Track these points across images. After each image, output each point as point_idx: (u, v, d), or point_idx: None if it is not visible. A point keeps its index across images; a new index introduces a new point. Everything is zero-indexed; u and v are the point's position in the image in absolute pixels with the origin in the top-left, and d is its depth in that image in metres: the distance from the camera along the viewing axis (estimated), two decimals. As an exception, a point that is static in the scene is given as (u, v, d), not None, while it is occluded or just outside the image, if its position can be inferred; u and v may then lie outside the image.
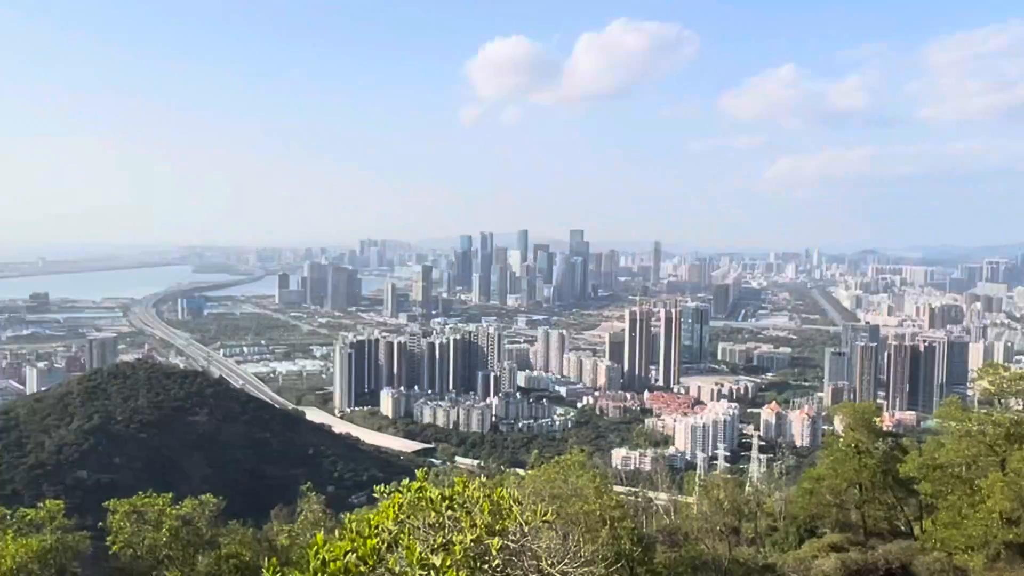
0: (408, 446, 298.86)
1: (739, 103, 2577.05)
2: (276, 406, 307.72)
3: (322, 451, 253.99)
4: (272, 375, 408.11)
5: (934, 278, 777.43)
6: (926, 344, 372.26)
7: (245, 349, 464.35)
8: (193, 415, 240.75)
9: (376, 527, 11.42)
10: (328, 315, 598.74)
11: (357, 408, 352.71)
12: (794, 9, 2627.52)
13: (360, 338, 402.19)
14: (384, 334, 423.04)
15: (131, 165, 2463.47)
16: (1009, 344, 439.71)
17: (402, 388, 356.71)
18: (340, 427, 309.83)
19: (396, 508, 12.66)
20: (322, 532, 12.63)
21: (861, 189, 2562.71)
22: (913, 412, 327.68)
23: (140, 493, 33.81)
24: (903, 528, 52.18)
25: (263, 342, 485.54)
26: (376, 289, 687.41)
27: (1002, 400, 44.42)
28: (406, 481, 13.72)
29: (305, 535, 39.14)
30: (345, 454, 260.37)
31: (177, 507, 33.47)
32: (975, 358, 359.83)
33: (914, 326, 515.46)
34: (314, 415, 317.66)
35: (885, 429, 57.03)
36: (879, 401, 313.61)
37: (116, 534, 31.78)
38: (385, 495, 13.83)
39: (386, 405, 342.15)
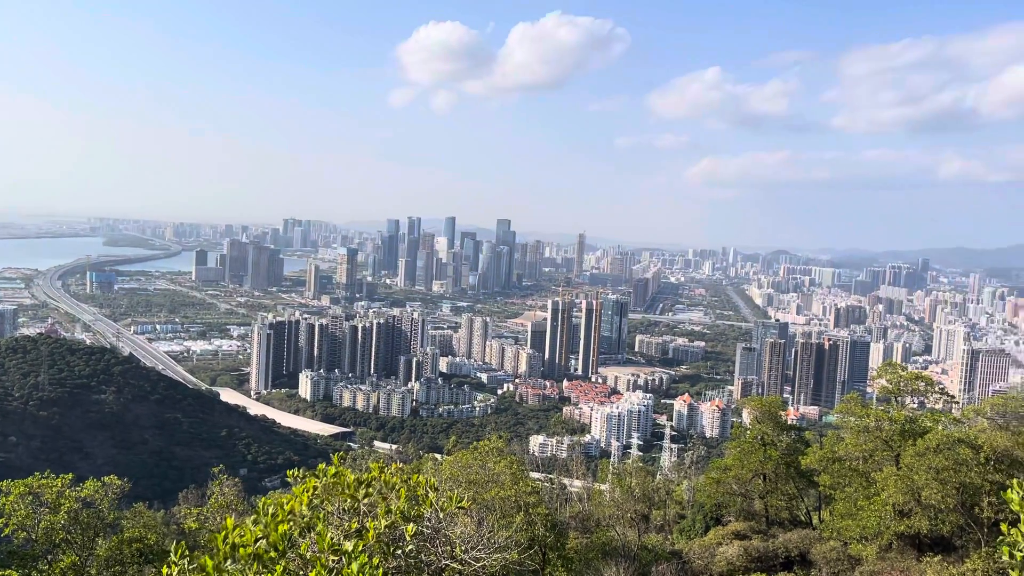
0: (326, 429, 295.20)
1: (666, 102, 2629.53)
2: (189, 386, 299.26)
3: (236, 433, 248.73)
4: (186, 354, 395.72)
5: (841, 280, 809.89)
6: (831, 342, 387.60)
7: (158, 327, 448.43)
8: (99, 393, 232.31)
9: (289, 512, 11.31)
10: (247, 294, 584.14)
11: (275, 390, 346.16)
12: (721, 15, 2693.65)
13: (280, 319, 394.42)
14: (305, 316, 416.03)
15: (35, 131, 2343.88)
16: (907, 345, 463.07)
17: (322, 371, 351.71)
18: (256, 409, 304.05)
19: (310, 492, 12.54)
20: (233, 516, 12.45)
21: (777, 192, 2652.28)
22: (816, 407, 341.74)
23: (37, 474, 32.41)
24: (803, 518, 54.29)
25: (177, 320, 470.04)
26: (299, 270, 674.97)
27: (898, 398, 46.52)
28: (322, 465, 13.57)
29: (215, 519, 38.26)
30: (260, 436, 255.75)
31: (77, 488, 32.18)
32: (875, 357, 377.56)
33: (820, 325, 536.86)
34: (229, 396, 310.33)
35: (790, 423, 59.10)
36: (785, 395, 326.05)
37: (8, 516, 30.37)
38: (299, 479, 13.69)
39: (305, 388, 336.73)
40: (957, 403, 62.81)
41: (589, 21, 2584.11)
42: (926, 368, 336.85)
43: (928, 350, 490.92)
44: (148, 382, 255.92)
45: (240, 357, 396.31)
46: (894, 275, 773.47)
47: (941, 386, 50.93)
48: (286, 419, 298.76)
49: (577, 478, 70.96)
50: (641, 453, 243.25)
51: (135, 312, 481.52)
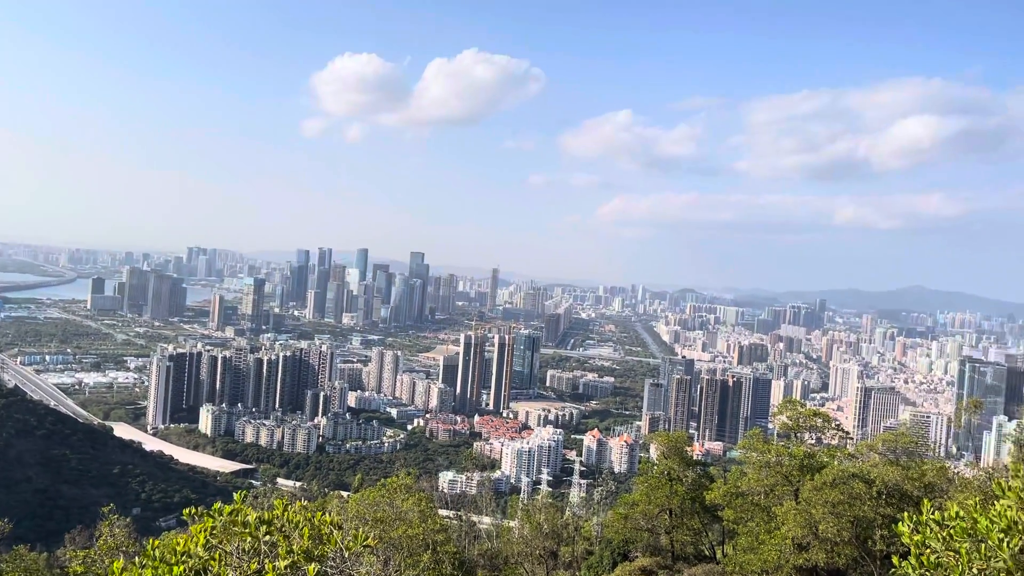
0: (226, 466, 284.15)
1: (579, 142, 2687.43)
2: (80, 420, 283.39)
3: (129, 470, 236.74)
4: (77, 387, 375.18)
5: (744, 318, 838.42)
6: (734, 379, 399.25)
7: (47, 357, 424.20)
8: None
9: (183, 553, 10.75)
10: (147, 324, 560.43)
11: (173, 425, 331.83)
12: (633, 60, 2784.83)
13: (181, 350, 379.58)
14: (208, 347, 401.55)
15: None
16: (806, 382, 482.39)
17: (224, 405, 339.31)
18: (152, 444, 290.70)
19: (207, 532, 11.97)
20: (122, 559, 11.75)
21: (684, 232, 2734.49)
22: (721, 442, 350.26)
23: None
24: (708, 552, 55.14)
25: (69, 350, 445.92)
26: (203, 300, 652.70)
27: (798, 434, 48.15)
28: (217, 504, 12.94)
29: (103, 562, 36.06)
30: (155, 473, 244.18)
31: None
32: (776, 394, 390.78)
33: (725, 362, 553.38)
34: (124, 431, 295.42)
35: (695, 458, 60.20)
36: (691, 431, 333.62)
37: None
38: (196, 518, 13.03)
39: (205, 422, 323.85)
40: (852, 439, 65.43)
41: (506, 60, 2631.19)
42: (823, 405, 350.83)
43: (825, 387, 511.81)
44: (34, 416, 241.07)
45: (137, 390, 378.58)
46: (794, 315, 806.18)
47: (837, 422, 52.94)
48: (185, 455, 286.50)
49: (486, 515, 70.42)
50: (551, 489, 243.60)
51: (23, 342, 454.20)
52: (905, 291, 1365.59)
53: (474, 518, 69.62)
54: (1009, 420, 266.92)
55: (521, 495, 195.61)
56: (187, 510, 13.96)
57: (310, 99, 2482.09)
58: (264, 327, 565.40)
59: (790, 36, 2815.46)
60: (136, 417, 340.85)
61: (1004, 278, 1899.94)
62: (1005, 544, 7.97)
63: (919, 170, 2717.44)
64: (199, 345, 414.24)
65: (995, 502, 8.60)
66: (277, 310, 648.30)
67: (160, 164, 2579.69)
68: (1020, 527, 8.03)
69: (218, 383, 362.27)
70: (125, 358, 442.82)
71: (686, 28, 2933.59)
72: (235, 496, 13.89)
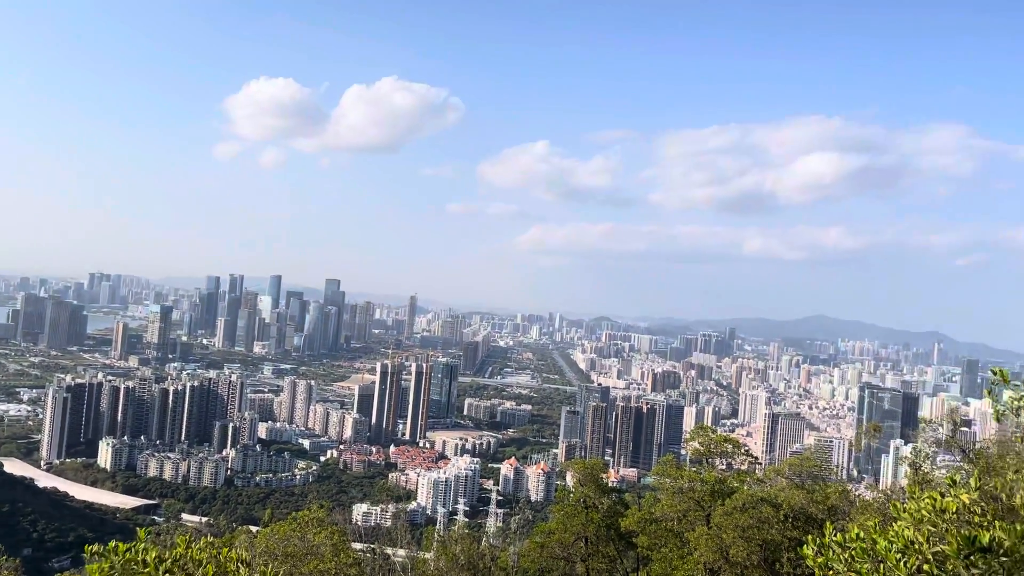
0: (127, 502, 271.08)
1: (497, 171, 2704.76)
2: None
3: (20, 508, 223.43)
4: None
5: (657, 346, 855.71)
6: (648, 406, 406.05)
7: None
8: None
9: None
10: (43, 354, 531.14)
11: (70, 459, 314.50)
12: (549, 90, 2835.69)
13: (80, 381, 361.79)
14: (110, 377, 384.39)
15: None
16: (717, 409, 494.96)
17: (126, 438, 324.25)
18: (46, 481, 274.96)
19: (105, 573, 11.35)
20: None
21: (600, 261, 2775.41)
22: (636, 468, 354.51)
23: None
24: (622, 579, 55.48)
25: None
26: (105, 328, 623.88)
27: (709, 460, 49.20)
28: (113, 543, 12.26)
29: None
30: (49, 511, 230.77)
31: None
32: (689, 420, 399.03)
33: (639, 389, 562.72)
34: (14, 467, 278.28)
35: (611, 485, 60.75)
36: (607, 458, 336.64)
37: None
38: (94, 557, 12.32)
39: (105, 456, 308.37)
40: (760, 464, 67.26)
41: (425, 88, 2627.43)
42: (733, 431, 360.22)
43: (735, 413, 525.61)
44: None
45: (31, 423, 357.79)
46: (705, 343, 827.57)
47: (746, 448, 54.42)
48: (82, 492, 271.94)
49: (401, 547, 69.06)
50: (467, 519, 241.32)
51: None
52: (809, 320, 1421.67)
53: (388, 551, 68.37)
54: (905, 443, 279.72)
55: (437, 526, 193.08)
56: (87, 548, 13.17)
57: (223, 123, 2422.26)
58: (171, 356, 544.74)
59: (701, 72, 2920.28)
60: (29, 452, 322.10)
61: (899, 308, 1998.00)
62: (902, 564, 8.29)
63: (821, 204, 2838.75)
64: (100, 375, 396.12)
65: (893, 523, 8.95)
66: (185, 338, 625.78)
67: (60, 188, 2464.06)
68: (916, 547, 8.36)
69: (120, 415, 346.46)
70: (18, 389, 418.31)
71: (602, 63, 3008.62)
72: (138, 533, 13.21)
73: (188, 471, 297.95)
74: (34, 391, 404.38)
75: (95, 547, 12.76)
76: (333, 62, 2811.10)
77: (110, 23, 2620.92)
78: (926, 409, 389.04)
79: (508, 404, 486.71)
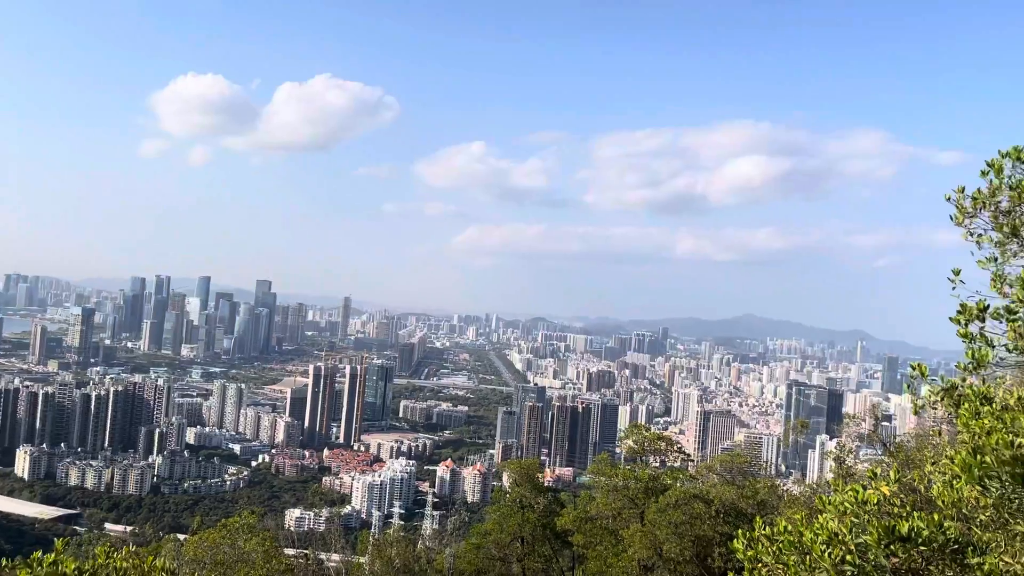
0: (46, 512, 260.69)
1: (433, 171, 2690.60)
2: None
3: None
4: None
5: (593, 346, 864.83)
6: (584, 405, 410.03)
7: None
8: None
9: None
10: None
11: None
12: (486, 91, 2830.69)
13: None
14: (27, 383, 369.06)
15: None
16: (651, 407, 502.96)
17: (45, 446, 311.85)
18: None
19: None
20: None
21: (536, 261, 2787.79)
22: (571, 467, 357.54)
23: None
24: (558, 578, 55.79)
25: None
26: (22, 331, 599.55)
27: (643, 458, 49.89)
28: (37, 554, 11.76)
29: None
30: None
31: None
32: (623, 419, 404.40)
33: (575, 388, 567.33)
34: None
35: (547, 484, 61.10)
36: (543, 457, 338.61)
37: None
38: (10, 571, 11.77)
39: (22, 465, 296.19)
40: (692, 461, 68.55)
41: (359, 87, 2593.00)
42: (667, 429, 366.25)
43: (668, 412, 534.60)
44: None
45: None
46: (639, 342, 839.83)
47: (679, 445, 55.38)
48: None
49: (335, 552, 68.10)
50: (403, 522, 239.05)
51: None
52: (739, 319, 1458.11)
53: (322, 556, 67.25)
54: (830, 439, 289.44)
55: (372, 529, 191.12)
56: (2, 561, 12.61)
57: (149, 119, 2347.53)
58: (93, 360, 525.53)
59: (635, 76, 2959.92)
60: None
61: (823, 307, 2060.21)
62: (827, 555, 8.50)
63: (751, 206, 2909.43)
64: (16, 380, 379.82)
65: (818, 516, 9.18)
66: (108, 342, 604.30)
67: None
68: (840, 538, 8.59)
69: (38, 422, 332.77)
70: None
71: (538, 65, 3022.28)
72: (55, 544, 12.69)
73: (112, 479, 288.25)
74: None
75: (13, 561, 12.24)
76: (264, 59, 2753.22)
77: (28, 13, 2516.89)
78: (850, 405, 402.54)
79: (444, 406, 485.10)
